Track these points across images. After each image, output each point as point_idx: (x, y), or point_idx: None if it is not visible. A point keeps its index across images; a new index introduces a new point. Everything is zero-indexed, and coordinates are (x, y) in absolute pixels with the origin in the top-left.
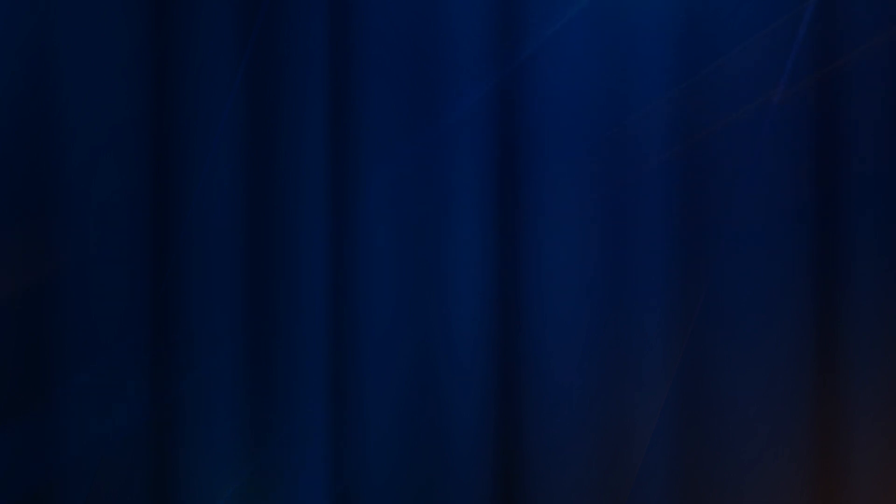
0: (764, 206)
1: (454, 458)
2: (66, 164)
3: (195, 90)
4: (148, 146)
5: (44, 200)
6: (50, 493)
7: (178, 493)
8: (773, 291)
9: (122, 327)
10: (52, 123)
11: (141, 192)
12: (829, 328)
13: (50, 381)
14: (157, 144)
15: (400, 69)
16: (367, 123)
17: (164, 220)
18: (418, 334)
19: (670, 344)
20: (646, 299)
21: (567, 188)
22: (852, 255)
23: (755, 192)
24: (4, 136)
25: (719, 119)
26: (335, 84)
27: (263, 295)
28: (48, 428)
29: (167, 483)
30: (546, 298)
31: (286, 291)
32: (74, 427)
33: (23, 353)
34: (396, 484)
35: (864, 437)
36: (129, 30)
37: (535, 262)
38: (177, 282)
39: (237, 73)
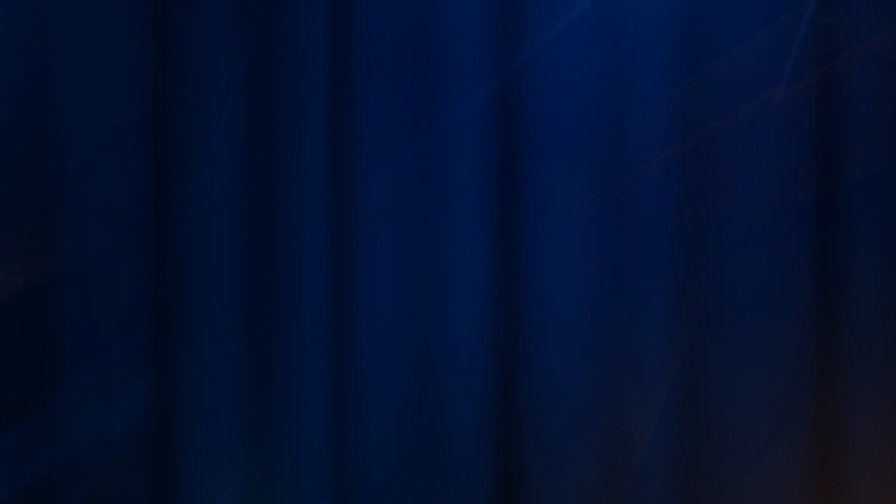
0: (764, 206)
1: (454, 458)
2: (66, 164)
3: (195, 90)
4: (148, 146)
5: (44, 200)
6: (50, 493)
7: (178, 493)
8: (773, 291)
9: (122, 327)
10: (52, 123)
11: (141, 192)
12: (829, 328)
13: (50, 381)
14: (157, 144)
15: (400, 69)
16: (367, 123)
17: (164, 220)
18: (418, 334)
19: (670, 344)
20: (646, 299)
21: (567, 188)
22: (852, 255)
23: (755, 192)
24: (4, 136)
25: (719, 119)
26: (335, 84)
27: (263, 295)
28: (48, 428)
29: (167, 483)
30: (546, 298)
31: (286, 291)
32: (74, 427)
33: (23, 353)
34: (396, 484)
35: (864, 437)
36: (129, 30)
37: (535, 262)
38: (177, 282)
39: (237, 73)
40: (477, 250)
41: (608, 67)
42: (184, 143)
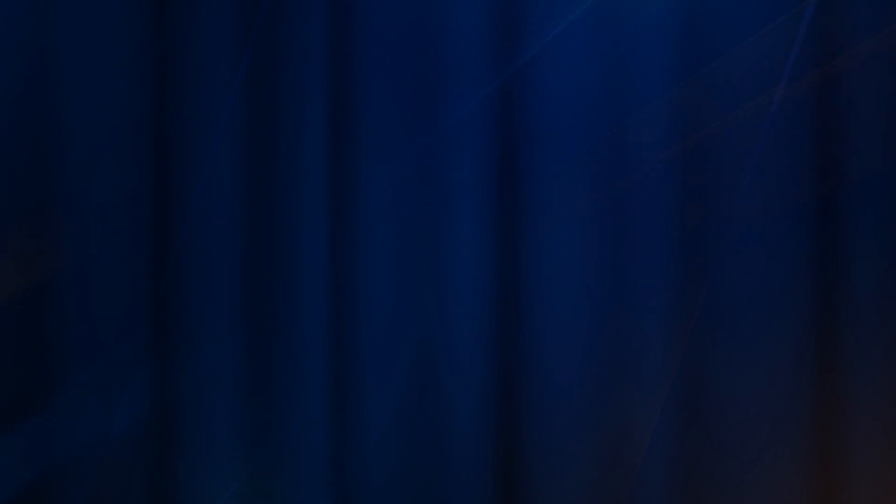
0: (764, 206)
1: (454, 458)
2: (66, 164)
3: (195, 90)
4: (148, 146)
5: (44, 200)
6: (50, 493)
7: (178, 493)
8: (773, 291)
9: (122, 327)
10: (52, 123)
11: (141, 192)
12: (829, 328)
13: (50, 381)
14: (157, 144)
15: (400, 69)
16: (367, 123)
17: (164, 220)
18: (418, 334)
19: (670, 344)
20: (646, 299)
21: (567, 188)
22: (852, 255)
23: (755, 192)
24: (4, 136)
25: (719, 119)
26: (335, 84)
27: (263, 295)
28: (48, 428)
29: (167, 483)
30: (546, 298)
31: (286, 291)
32: (74, 427)
33: (23, 353)
34: (396, 484)
35: (864, 437)
36: (129, 30)
37: (535, 262)
38: (177, 282)
39: (237, 73)
40: (477, 250)
41: (608, 67)
42: (184, 143)
